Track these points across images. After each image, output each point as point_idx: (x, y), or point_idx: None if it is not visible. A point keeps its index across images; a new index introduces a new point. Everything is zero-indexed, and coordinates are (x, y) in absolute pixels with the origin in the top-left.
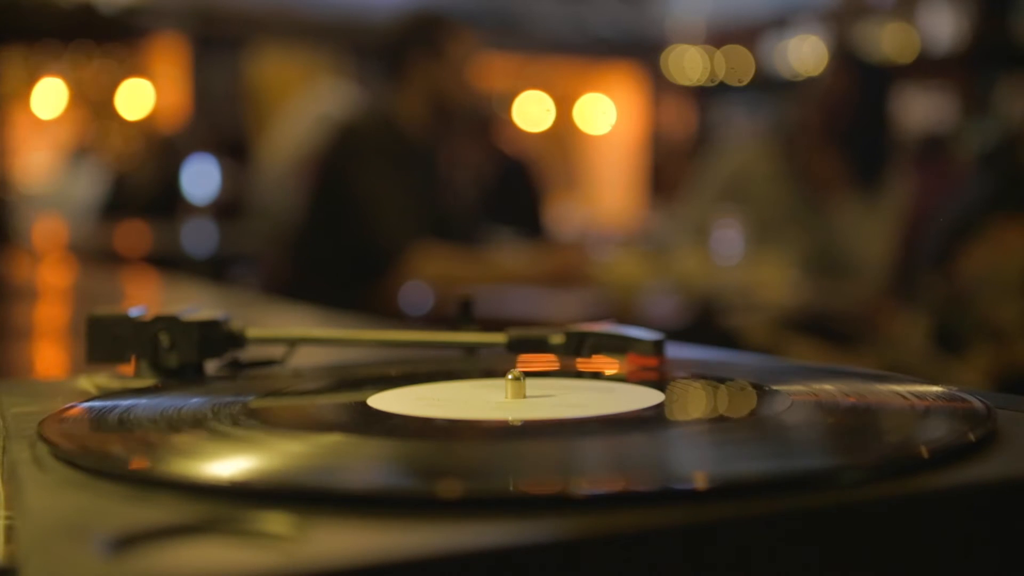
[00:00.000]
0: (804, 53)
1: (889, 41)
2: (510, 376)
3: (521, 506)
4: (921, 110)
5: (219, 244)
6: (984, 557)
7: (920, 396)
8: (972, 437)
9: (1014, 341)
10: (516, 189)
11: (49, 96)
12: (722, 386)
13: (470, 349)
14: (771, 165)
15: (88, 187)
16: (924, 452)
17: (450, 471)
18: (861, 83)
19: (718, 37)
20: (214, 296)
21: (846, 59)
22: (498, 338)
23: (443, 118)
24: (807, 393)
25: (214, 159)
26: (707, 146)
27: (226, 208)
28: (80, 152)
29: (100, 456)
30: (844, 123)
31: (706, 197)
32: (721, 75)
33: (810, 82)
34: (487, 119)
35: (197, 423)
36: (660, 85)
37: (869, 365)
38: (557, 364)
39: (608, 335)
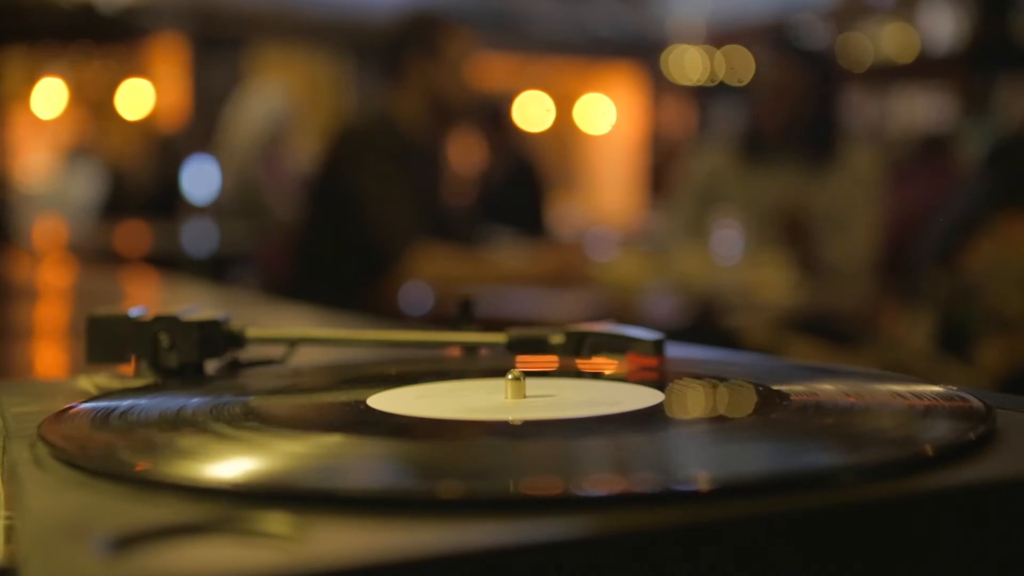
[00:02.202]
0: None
1: (889, 41)
2: (510, 376)
3: (521, 506)
4: (921, 110)
5: (219, 244)
6: (984, 557)
7: (920, 396)
8: (972, 436)
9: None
10: (521, 187)
11: (49, 96)
12: (722, 386)
13: (470, 349)
14: (739, 160)
15: (88, 187)
16: (924, 452)
17: (450, 471)
18: (809, 78)
19: (718, 37)
20: (214, 296)
21: (793, 55)
22: (498, 338)
23: (441, 118)
24: (807, 393)
25: (214, 159)
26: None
27: (226, 208)
28: (80, 152)
29: (100, 456)
30: (796, 116)
31: (687, 203)
32: (721, 75)
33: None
34: (497, 117)
35: (197, 423)
36: (660, 85)
37: (869, 365)
38: (557, 364)
39: (608, 335)
